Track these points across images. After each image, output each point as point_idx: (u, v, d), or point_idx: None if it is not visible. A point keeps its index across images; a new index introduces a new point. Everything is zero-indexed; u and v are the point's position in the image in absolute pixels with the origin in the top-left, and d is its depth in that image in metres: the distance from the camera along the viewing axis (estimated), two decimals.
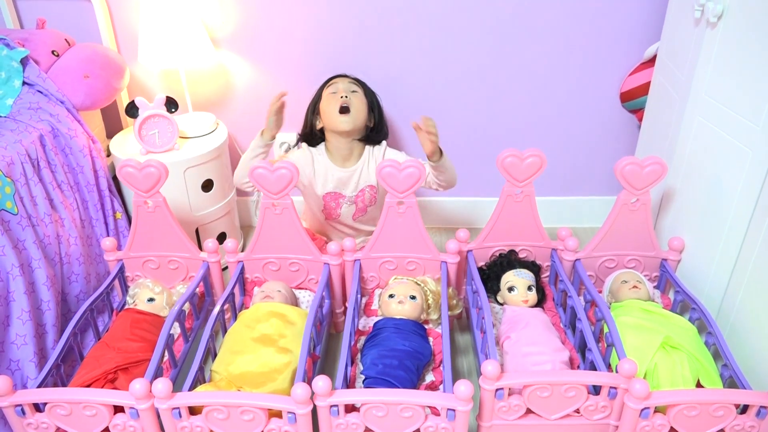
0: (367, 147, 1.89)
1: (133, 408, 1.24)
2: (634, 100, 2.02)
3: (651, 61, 1.93)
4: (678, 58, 1.66)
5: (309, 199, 1.95)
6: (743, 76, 1.37)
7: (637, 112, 2.04)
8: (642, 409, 1.22)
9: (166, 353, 1.46)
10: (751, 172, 1.35)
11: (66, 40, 1.91)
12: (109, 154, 1.99)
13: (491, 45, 2.00)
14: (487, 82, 2.07)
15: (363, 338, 1.54)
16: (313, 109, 1.89)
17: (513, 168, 1.59)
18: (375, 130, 1.90)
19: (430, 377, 1.44)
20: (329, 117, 1.81)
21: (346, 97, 1.81)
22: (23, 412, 1.27)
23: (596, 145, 2.17)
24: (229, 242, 1.68)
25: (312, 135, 1.91)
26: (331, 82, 1.88)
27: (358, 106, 1.83)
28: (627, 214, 1.61)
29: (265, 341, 1.43)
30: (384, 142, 1.92)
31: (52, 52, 1.85)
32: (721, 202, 1.47)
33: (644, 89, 1.96)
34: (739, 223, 1.41)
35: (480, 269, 1.71)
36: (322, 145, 1.90)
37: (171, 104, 1.87)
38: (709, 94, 1.50)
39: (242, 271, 1.71)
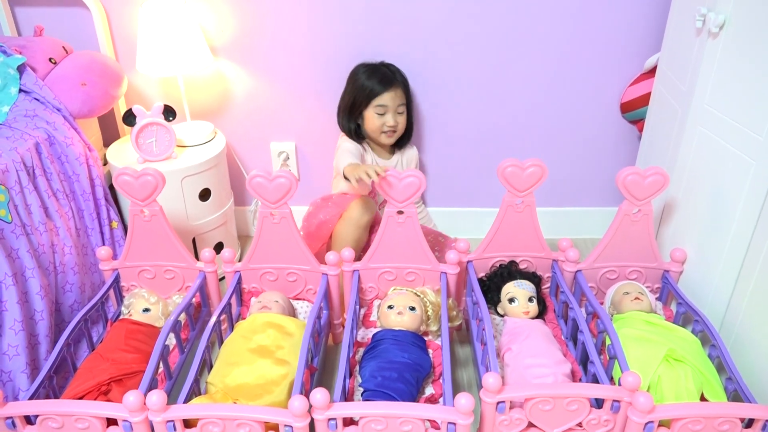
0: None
1: (126, 420, 1.21)
2: (634, 110, 2.02)
3: (651, 72, 1.93)
4: (679, 68, 1.66)
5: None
6: (746, 86, 1.36)
7: (638, 122, 2.04)
8: (646, 423, 1.20)
9: (161, 365, 1.43)
10: (754, 183, 1.34)
11: (64, 47, 1.90)
12: (105, 163, 1.98)
13: (491, 55, 1.99)
14: (488, 92, 2.06)
15: (361, 350, 1.51)
16: (350, 111, 1.94)
17: (514, 178, 1.57)
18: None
19: (429, 390, 1.42)
20: (373, 132, 1.94)
21: (395, 124, 1.91)
22: (14, 425, 1.24)
23: (596, 155, 2.16)
24: (226, 252, 1.66)
25: (358, 134, 1.97)
26: (380, 96, 1.88)
27: (403, 124, 1.96)
28: (628, 224, 1.60)
29: (262, 352, 1.40)
30: (414, 149, 2.09)
31: (50, 59, 1.84)
32: (723, 212, 1.46)
33: (644, 100, 1.95)
34: (742, 233, 1.40)
35: (480, 280, 1.69)
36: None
37: (169, 112, 1.86)
38: (711, 105, 1.49)
39: (239, 282, 1.69)
